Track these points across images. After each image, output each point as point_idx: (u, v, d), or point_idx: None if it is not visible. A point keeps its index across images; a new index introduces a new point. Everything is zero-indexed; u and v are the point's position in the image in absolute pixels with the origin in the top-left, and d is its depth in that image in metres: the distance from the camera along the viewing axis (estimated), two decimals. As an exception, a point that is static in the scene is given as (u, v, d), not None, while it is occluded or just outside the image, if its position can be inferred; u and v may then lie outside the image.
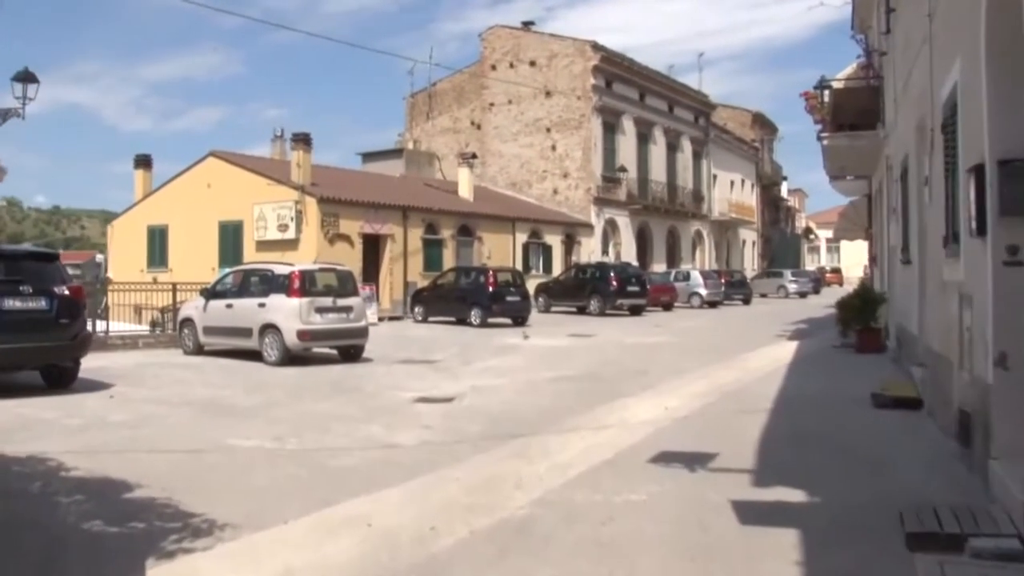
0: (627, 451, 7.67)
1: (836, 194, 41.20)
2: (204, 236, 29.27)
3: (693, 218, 50.13)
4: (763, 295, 46.18)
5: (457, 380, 13.08)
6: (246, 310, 15.64)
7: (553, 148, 42.03)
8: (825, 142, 17.49)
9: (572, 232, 39.40)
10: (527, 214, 37.56)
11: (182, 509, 5.81)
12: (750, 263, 58.59)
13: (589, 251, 39.78)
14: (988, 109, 5.72)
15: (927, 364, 9.40)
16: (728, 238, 56.10)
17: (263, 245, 27.40)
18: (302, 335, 14.97)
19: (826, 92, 18.12)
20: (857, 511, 5.64)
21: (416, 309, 27.32)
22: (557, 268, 36.81)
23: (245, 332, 15.58)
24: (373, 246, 29.05)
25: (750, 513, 5.58)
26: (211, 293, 16.68)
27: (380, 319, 26.18)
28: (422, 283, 28.85)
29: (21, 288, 10.79)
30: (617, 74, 43.21)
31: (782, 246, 64.74)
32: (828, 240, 73.77)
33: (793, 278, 49.26)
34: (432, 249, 31.23)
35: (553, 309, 31.54)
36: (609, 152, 42.48)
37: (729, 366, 14.73)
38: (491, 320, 24.97)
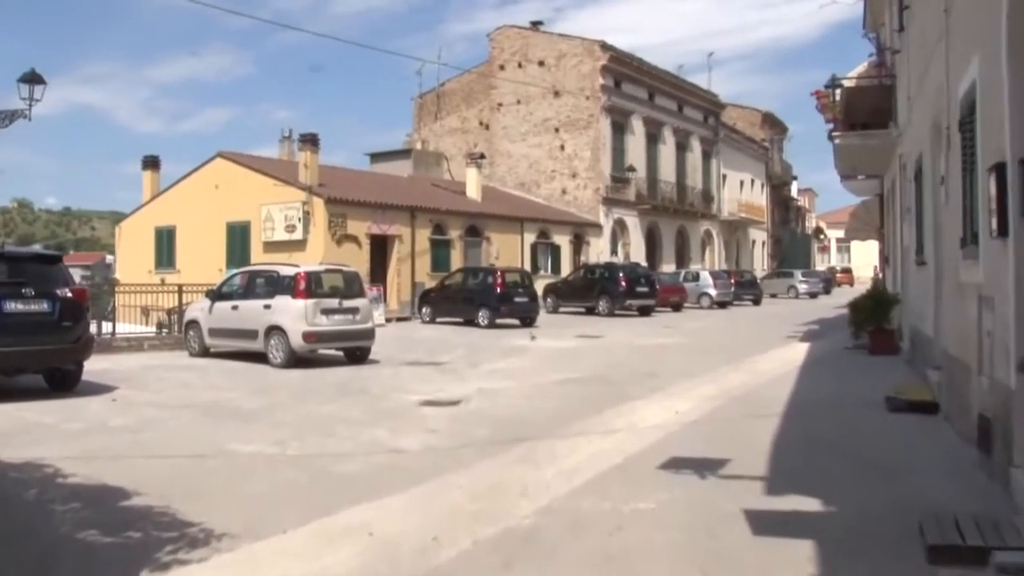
0: (636, 456, 7.50)
1: (847, 194, 41.00)
2: (212, 237, 29.20)
3: (702, 218, 49.86)
4: (773, 295, 45.88)
5: (464, 382, 12.92)
6: (251, 312, 15.51)
7: (562, 148, 41.83)
8: (837, 141, 17.26)
9: (581, 232, 39.20)
10: (535, 214, 37.37)
11: (179, 518, 5.66)
12: (760, 263, 58.27)
13: (598, 251, 39.57)
14: (1009, 106, 5.52)
15: (943, 367, 9.19)
16: (738, 238, 55.81)
17: (270, 246, 27.31)
18: (307, 337, 14.83)
19: (838, 91, 17.91)
20: (874, 521, 5.46)
21: (424, 310, 27.18)
22: (566, 268, 36.62)
23: (250, 334, 15.46)
24: (381, 247, 28.92)
25: (763, 522, 5.40)
26: (216, 295, 16.57)
27: (387, 320, 26.05)
28: (430, 284, 28.70)
29: (23, 290, 10.66)
30: (626, 74, 42.99)
31: (792, 246, 64.40)
32: (838, 240, 73.51)
33: (803, 278, 48.92)
34: (440, 250, 31.08)
35: (561, 310, 31.36)
36: (618, 152, 42.26)
37: (740, 368, 14.54)
38: (499, 321, 24.80)
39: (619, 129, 42.44)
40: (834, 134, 17.40)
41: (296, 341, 14.79)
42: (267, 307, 15.24)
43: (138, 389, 12.00)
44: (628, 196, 42.35)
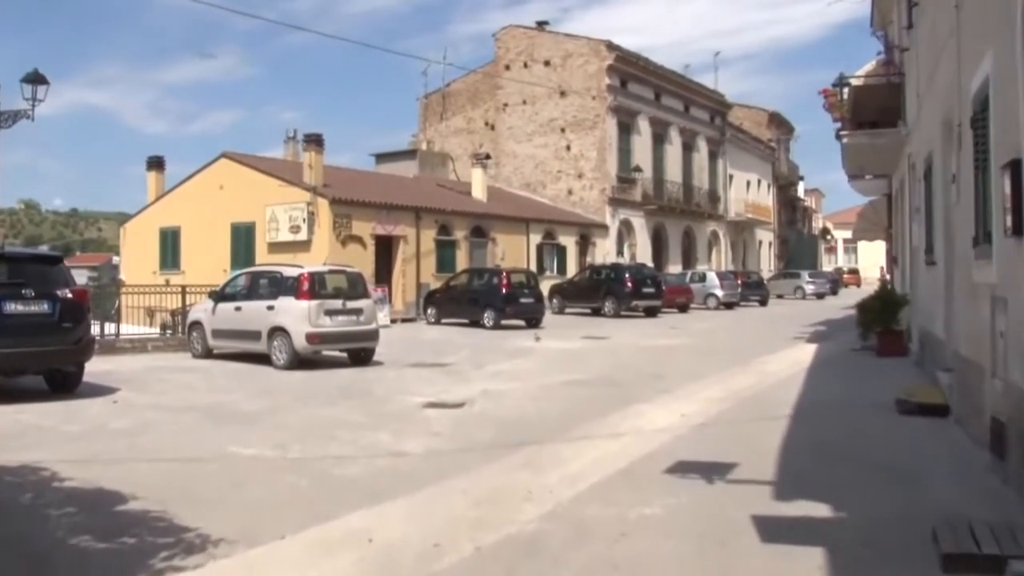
0: (642, 461, 7.37)
1: (854, 194, 40.87)
2: (216, 238, 29.12)
3: (709, 219, 49.67)
4: (780, 296, 45.65)
5: (468, 384, 12.80)
6: (255, 313, 15.41)
7: (568, 148, 41.70)
8: (845, 140, 17.10)
9: (587, 233, 39.05)
10: (541, 215, 37.23)
11: (175, 523, 5.55)
12: (766, 264, 58.04)
13: (604, 252, 39.41)
14: (1024, 101, 5.39)
15: (954, 369, 9.04)
16: (744, 239, 55.60)
17: (275, 247, 27.21)
18: (311, 338, 14.73)
19: (845, 89, 17.75)
20: (886, 527, 5.32)
21: (429, 311, 27.07)
22: (571, 269, 36.47)
23: (254, 335, 15.35)
24: (386, 247, 28.81)
25: (772, 529, 5.27)
26: (220, 296, 16.47)
27: (393, 321, 25.96)
28: (435, 284, 28.59)
29: (23, 291, 10.56)
30: (632, 74, 42.83)
31: (799, 247, 64.17)
32: (845, 241, 73.27)
33: (810, 279, 48.68)
34: (445, 250, 30.96)
35: (567, 310, 31.23)
36: (624, 152, 42.10)
37: (747, 370, 14.39)
38: (504, 322, 24.68)
39: (625, 129, 42.28)
40: (842, 133, 17.24)
41: (299, 342, 14.69)
42: (270, 308, 15.14)
43: (139, 391, 11.90)
44: (634, 196, 42.20)
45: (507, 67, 43.81)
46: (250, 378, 13.72)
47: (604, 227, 40.03)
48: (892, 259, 22.69)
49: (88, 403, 10.74)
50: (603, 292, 30.28)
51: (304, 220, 26.78)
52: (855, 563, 4.71)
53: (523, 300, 25.20)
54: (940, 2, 9.61)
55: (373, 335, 15.71)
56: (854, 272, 67.30)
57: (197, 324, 16.80)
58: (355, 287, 15.92)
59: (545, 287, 29.99)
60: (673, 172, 45.78)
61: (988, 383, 6.74)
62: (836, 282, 52.70)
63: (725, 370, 14.27)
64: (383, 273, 28.29)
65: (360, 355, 15.66)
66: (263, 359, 15.21)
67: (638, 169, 42.08)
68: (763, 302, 39.87)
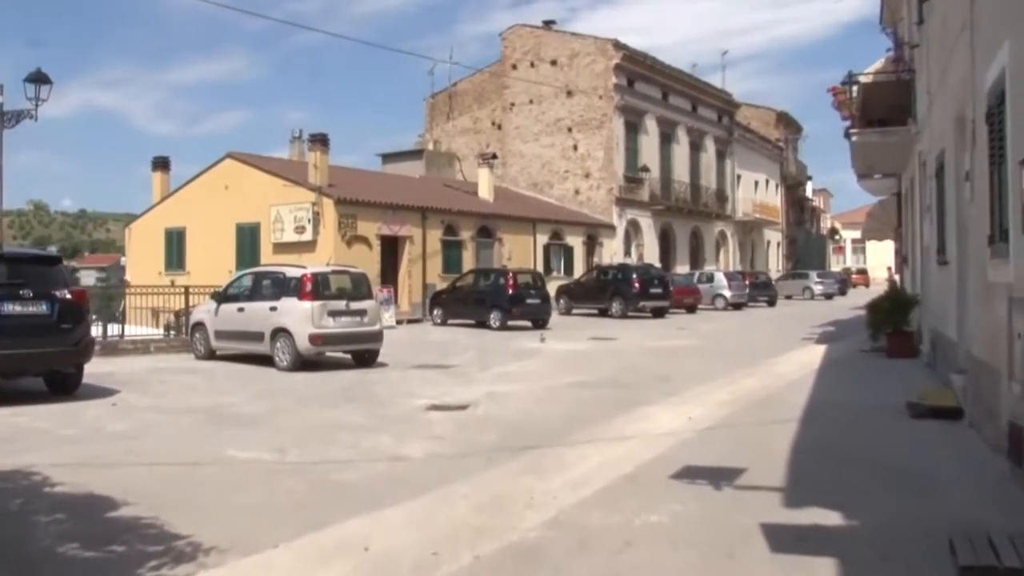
0: (648, 465, 7.18)
1: (862, 194, 40.63)
2: (221, 238, 29.02)
3: (717, 219, 49.42)
4: (788, 296, 45.38)
5: (472, 386, 12.64)
6: (257, 314, 15.27)
7: (575, 148, 41.50)
8: (854, 139, 16.87)
9: (594, 233, 38.85)
10: (548, 215, 37.05)
11: (167, 530, 5.39)
12: (775, 264, 57.75)
13: (611, 252, 39.21)
14: (1044, 94, 5.19)
15: (968, 371, 8.83)
16: (752, 239, 55.31)
17: (280, 247, 27.10)
18: (314, 339, 14.57)
19: (854, 87, 17.54)
20: (900, 537, 5.13)
21: (435, 312, 26.93)
22: (579, 270, 36.28)
23: (256, 336, 15.21)
24: (391, 248, 28.67)
25: (782, 539, 5.08)
26: (222, 297, 16.33)
27: (398, 322, 25.82)
28: (441, 285, 28.43)
29: (21, 292, 10.43)
30: (639, 73, 42.62)
31: (807, 247, 63.84)
32: (854, 241, 72.89)
33: (819, 279, 48.41)
34: (451, 251, 30.81)
35: (574, 311, 31.07)
36: (631, 152, 41.90)
37: (755, 372, 14.19)
38: (511, 323, 24.52)
39: (632, 129, 42.07)
40: (851, 131, 17.02)
41: (302, 344, 14.54)
42: (273, 309, 15.00)
43: (139, 393, 11.76)
44: (642, 196, 41.98)
45: (514, 66, 43.64)
46: (252, 380, 13.58)
47: (611, 227, 39.83)
48: (902, 259, 22.43)
49: (86, 405, 10.61)
50: (610, 293, 30.11)
51: (309, 220, 26.65)
52: (869, 574, 4.53)
53: (529, 301, 25.04)
54: (953, -4, 9.41)
55: (377, 336, 15.55)
56: (863, 272, 66.97)
57: (200, 325, 16.67)
58: (359, 288, 15.76)
59: (552, 287, 29.83)
60: (680, 172, 45.56)
61: (1004, 386, 6.55)
62: (845, 282, 52.43)
63: (733, 372, 14.08)
64: (389, 274, 28.16)
65: (364, 356, 15.50)
66: (266, 360, 15.07)
67: (645, 169, 41.87)
68: (771, 302, 39.64)
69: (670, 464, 7.12)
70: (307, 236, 26.66)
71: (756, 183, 55.59)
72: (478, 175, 36.93)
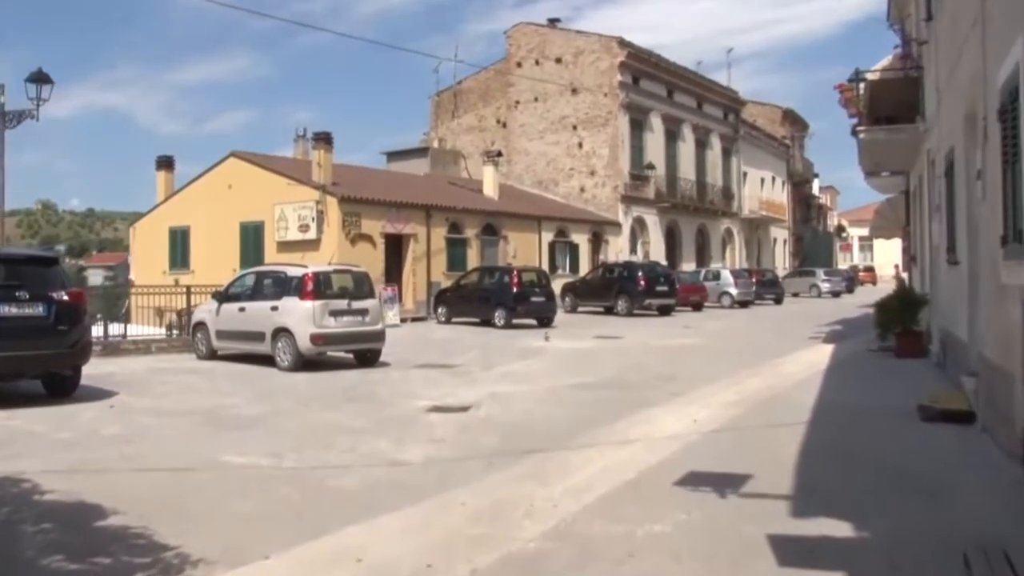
0: (651, 471, 7.01)
1: (869, 191, 40.42)
2: (225, 237, 28.92)
3: (723, 216, 49.20)
4: (795, 294, 45.12)
5: (475, 386, 12.48)
6: (258, 314, 15.14)
7: (580, 146, 41.32)
8: (862, 136, 16.66)
9: (599, 231, 38.67)
10: (553, 212, 36.89)
11: (155, 540, 5.24)
12: (781, 262, 57.48)
13: (617, 250, 39.03)
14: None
15: (980, 374, 8.63)
16: (759, 236, 55.06)
17: (284, 246, 26.99)
18: (315, 339, 14.43)
19: (862, 84, 17.33)
20: (913, 549, 4.95)
21: (439, 310, 26.77)
22: (584, 267, 36.11)
23: (257, 336, 15.08)
24: (396, 246, 28.54)
25: (790, 551, 4.91)
26: (223, 296, 16.20)
27: (403, 320, 25.69)
28: (446, 283, 28.29)
29: (17, 294, 10.29)
30: (644, 70, 42.40)
31: (814, 244, 63.54)
32: (861, 238, 72.57)
33: (826, 277, 48.12)
34: (456, 249, 30.66)
35: (580, 309, 30.91)
36: (637, 149, 41.70)
37: (761, 372, 14.01)
38: (515, 321, 24.36)
39: (638, 126, 41.88)
40: (858, 129, 16.81)
41: (303, 343, 14.40)
42: (274, 309, 14.86)
43: (138, 395, 11.63)
44: (647, 194, 41.78)
45: (519, 64, 43.45)
46: (253, 380, 13.45)
47: (617, 225, 39.64)
48: (911, 257, 22.21)
49: (83, 408, 10.47)
50: (616, 290, 29.93)
51: (313, 219, 26.53)
52: (880, 590, 4.37)
53: (534, 299, 24.87)
54: (963, -10, 9.21)
55: (379, 336, 15.40)
56: (870, 270, 66.65)
57: (201, 325, 16.55)
58: (361, 287, 15.62)
59: (557, 285, 29.67)
60: (686, 169, 45.35)
61: (1019, 390, 6.36)
62: (852, 280, 52.10)
63: (739, 372, 13.89)
64: (393, 272, 28.03)
65: (366, 356, 15.36)
66: (268, 360, 14.94)
67: (651, 166, 41.67)
68: (778, 300, 39.40)
69: (674, 469, 6.96)
70: (311, 235, 26.53)
71: (762, 180, 55.33)
72: (483, 173, 36.77)
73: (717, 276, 37.08)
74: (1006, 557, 4.33)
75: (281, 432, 9.04)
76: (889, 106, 16.32)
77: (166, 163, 32.90)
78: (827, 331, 22.43)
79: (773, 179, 57.39)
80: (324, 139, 27.62)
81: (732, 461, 7.27)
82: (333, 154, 27.98)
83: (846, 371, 13.88)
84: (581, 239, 37.29)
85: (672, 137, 44.56)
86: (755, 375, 13.57)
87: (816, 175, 69.24)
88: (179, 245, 31.14)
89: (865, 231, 48.84)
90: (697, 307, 33.15)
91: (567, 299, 31.02)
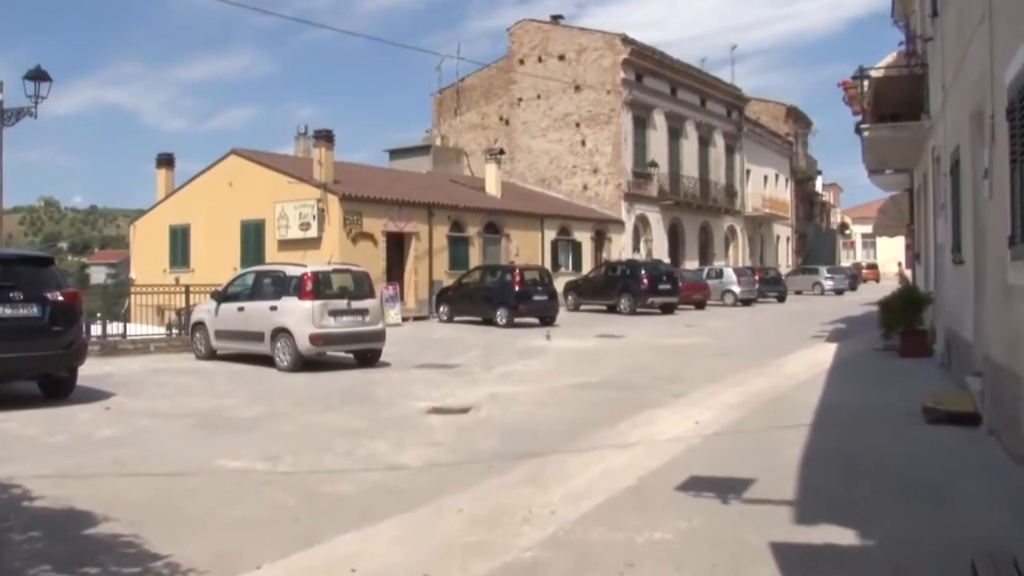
0: (652, 476, 6.89)
1: (873, 188, 40.29)
2: (226, 235, 28.82)
3: (726, 214, 49.03)
4: (798, 292, 44.95)
5: (475, 387, 12.38)
6: (257, 313, 15.03)
7: (583, 143, 41.18)
8: (866, 134, 16.53)
9: (602, 229, 38.54)
10: (556, 210, 36.76)
11: (145, 549, 5.14)
12: (784, 259, 57.32)
13: (620, 248, 38.90)
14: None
15: (986, 375, 8.50)
16: (762, 234, 54.88)
17: (285, 244, 26.89)
18: (314, 339, 14.32)
19: (866, 81, 17.19)
20: (919, 557, 4.83)
21: (441, 309, 26.67)
22: (587, 266, 35.97)
23: (256, 336, 14.98)
24: (397, 244, 28.42)
25: (794, 560, 4.80)
26: (222, 296, 16.09)
27: (404, 319, 25.60)
28: (448, 282, 28.18)
29: (11, 294, 10.18)
30: (648, 68, 42.23)
31: (817, 242, 63.36)
32: (864, 235, 72.32)
33: (829, 275, 47.93)
34: (458, 247, 30.54)
35: (582, 308, 30.81)
36: (640, 147, 41.55)
37: (765, 371, 13.89)
38: (518, 320, 24.24)
39: (641, 124, 41.72)
40: (862, 126, 16.69)
41: (303, 344, 14.29)
42: (273, 308, 14.76)
43: (135, 396, 11.53)
44: (650, 192, 41.64)
45: (521, 61, 43.30)
46: (251, 381, 13.35)
47: (620, 223, 39.51)
48: (915, 255, 22.07)
49: (79, 409, 10.36)
50: (619, 289, 29.82)
51: (314, 217, 26.42)
52: (886, 602, 4.25)
53: (536, 298, 24.75)
54: (969, -14, 9.07)
55: (379, 336, 15.29)
56: (873, 267, 66.49)
57: (200, 324, 16.44)
58: (361, 286, 15.51)
59: (560, 284, 29.55)
60: (689, 167, 45.19)
61: (1026, 394, 6.24)
62: (855, 277, 51.96)
63: (742, 372, 13.77)
64: (395, 270, 27.92)
65: (366, 356, 15.26)
66: (267, 361, 14.84)
67: (654, 164, 41.52)
68: (781, 298, 39.25)
69: (676, 474, 6.84)
70: (312, 233, 26.43)
71: (765, 178, 55.15)
72: (485, 171, 36.64)
73: (720, 274, 36.94)
74: (1015, 565, 4.20)
75: (278, 435, 8.94)
76: (893, 103, 16.21)
77: (166, 161, 32.81)
78: (830, 330, 22.30)
79: (776, 176, 57.21)
80: (325, 137, 27.50)
81: (734, 465, 7.16)
82: (334, 152, 27.86)
83: (850, 371, 13.76)
84: (584, 237, 37.16)
85: (675, 134, 44.39)
86: (758, 375, 13.45)
87: (819, 172, 69.04)
88: (179, 243, 31.04)
89: (868, 228, 48.65)
90: (700, 305, 33.01)
91: (570, 297, 30.92)
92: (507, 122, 43.91)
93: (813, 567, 4.70)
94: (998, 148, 7.42)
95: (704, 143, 47.06)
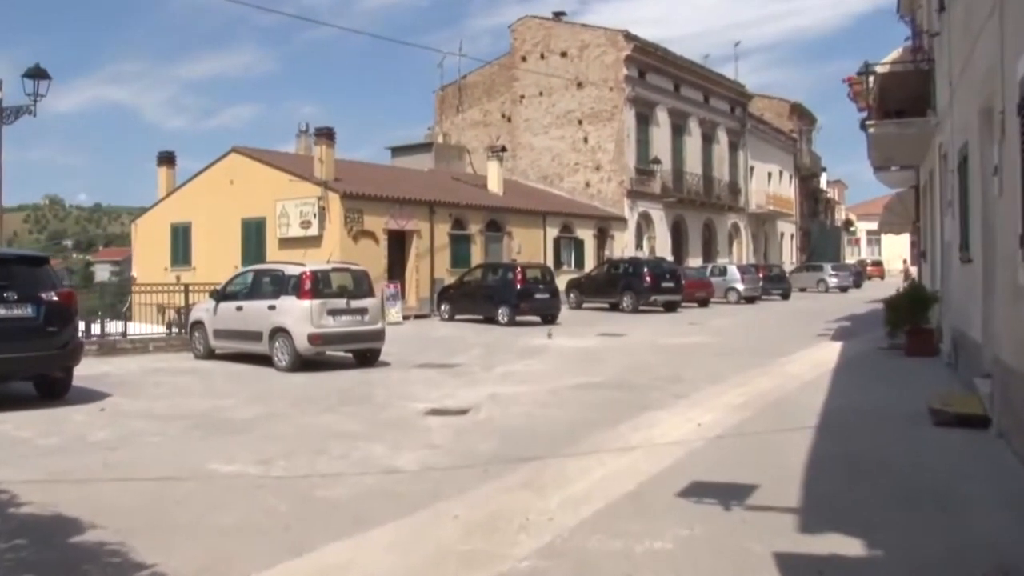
0: (652, 481, 6.73)
1: (877, 185, 40.10)
2: (227, 234, 28.69)
3: (730, 211, 48.82)
4: (802, 289, 44.72)
5: (475, 388, 12.23)
6: (256, 313, 14.89)
7: (585, 140, 40.99)
8: (871, 130, 16.36)
9: (605, 226, 38.37)
10: (558, 208, 36.60)
11: (132, 557, 5.00)
12: (789, 256, 57.10)
13: (622, 246, 38.74)
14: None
15: (995, 377, 8.34)
16: (766, 231, 54.66)
17: (286, 242, 26.76)
18: (313, 339, 14.18)
19: (871, 77, 17.01)
20: (928, 569, 4.68)
21: (443, 307, 26.54)
22: (589, 263, 35.82)
23: (255, 336, 14.84)
24: (399, 242, 28.27)
25: (798, 570, 4.65)
26: (221, 295, 15.96)
27: (405, 317, 25.47)
28: (449, 280, 28.03)
29: (5, 294, 10.05)
30: (650, 64, 42.03)
31: (821, 239, 63.13)
32: (869, 232, 72.08)
33: (833, 272, 47.68)
34: (460, 245, 30.38)
35: (585, 305, 30.67)
36: (642, 144, 41.35)
37: (768, 371, 13.72)
38: (519, 318, 24.09)
39: (644, 120, 41.52)
40: (868, 123, 16.52)
41: (301, 343, 14.15)
42: (272, 308, 14.62)
43: (131, 397, 11.39)
44: (653, 189, 41.45)
45: (523, 58, 43.11)
46: (249, 381, 13.21)
47: (622, 220, 39.34)
48: (920, 253, 21.89)
49: (73, 411, 10.23)
50: (621, 287, 29.67)
51: (315, 215, 26.28)
52: (894, 616, 4.09)
53: (538, 296, 24.61)
54: (978, -21, 8.89)
55: (378, 335, 15.14)
56: (878, 264, 66.27)
57: (199, 324, 16.32)
58: (360, 285, 15.37)
59: (562, 281, 29.40)
60: (693, 164, 44.99)
61: (1037, 397, 6.07)
62: (860, 275, 51.70)
63: (745, 372, 13.61)
64: (396, 269, 27.78)
65: (365, 356, 15.11)
66: (265, 360, 14.71)
67: (657, 161, 41.33)
68: (785, 296, 39.08)
69: (677, 479, 6.68)
70: (313, 231, 26.29)
71: (769, 175, 54.93)
72: (487, 168, 36.47)
73: (723, 272, 36.77)
74: (1030, 582, 4.05)
75: (273, 437, 8.79)
76: (899, 99, 16.04)
77: (167, 159, 32.70)
78: (835, 328, 22.13)
79: (780, 173, 56.97)
80: (326, 134, 27.35)
81: (737, 469, 7.00)
82: (335, 149, 27.72)
83: (855, 371, 13.59)
84: (586, 235, 37.00)
85: (678, 131, 44.19)
86: (761, 375, 13.29)
87: (824, 169, 68.78)
88: (180, 241, 30.92)
89: (873, 225, 48.51)
90: (703, 303, 32.86)
91: (572, 295, 30.78)
92: (509, 119, 43.73)
93: (818, 578, 4.54)
94: (1008, 144, 7.25)
95: (707, 140, 46.86)
